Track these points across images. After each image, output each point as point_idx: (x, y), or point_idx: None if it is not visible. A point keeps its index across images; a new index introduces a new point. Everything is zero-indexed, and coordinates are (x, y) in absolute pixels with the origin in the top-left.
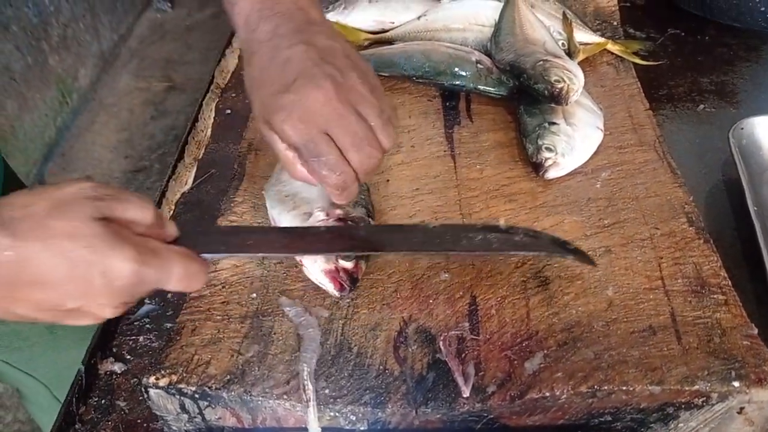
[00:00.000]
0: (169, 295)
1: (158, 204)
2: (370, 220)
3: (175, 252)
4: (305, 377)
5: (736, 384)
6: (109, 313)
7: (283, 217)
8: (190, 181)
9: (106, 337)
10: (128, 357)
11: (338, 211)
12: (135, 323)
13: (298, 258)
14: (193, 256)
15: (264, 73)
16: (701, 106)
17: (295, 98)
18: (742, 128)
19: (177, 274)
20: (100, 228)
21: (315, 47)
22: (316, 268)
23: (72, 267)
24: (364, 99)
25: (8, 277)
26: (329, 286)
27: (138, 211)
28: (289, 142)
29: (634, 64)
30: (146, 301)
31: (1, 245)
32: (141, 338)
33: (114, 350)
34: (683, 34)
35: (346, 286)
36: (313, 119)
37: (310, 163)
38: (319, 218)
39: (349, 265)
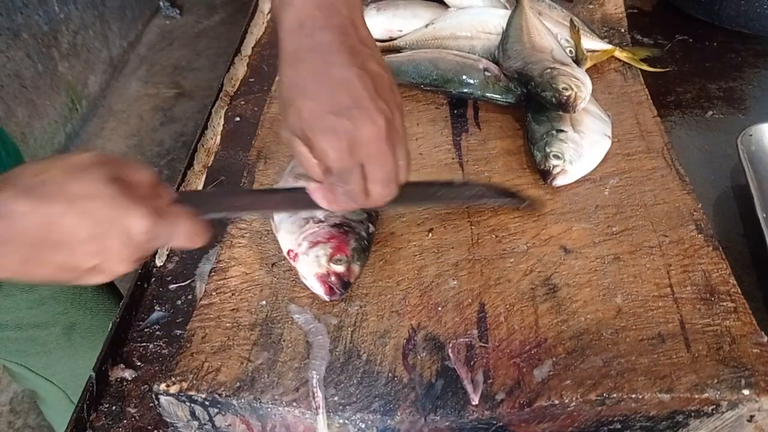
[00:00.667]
0: (179, 302)
1: None
2: (369, 225)
3: (180, 210)
4: (315, 384)
5: (746, 392)
6: (123, 268)
7: (283, 224)
8: (200, 188)
9: (117, 343)
10: (138, 364)
11: (335, 219)
12: (145, 330)
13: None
14: (195, 216)
15: (312, 85)
16: (710, 113)
17: (349, 126)
18: (751, 135)
19: (183, 231)
20: (116, 188)
21: (369, 75)
22: (309, 272)
23: (95, 225)
24: (401, 139)
25: (32, 241)
26: (319, 290)
27: (141, 174)
28: (325, 163)
29: (642, 70)
30: (156, 308)
31: (23, 212)
32: (151, 345)
33: (124, 357)
34: (691, 40)
35: (336, 290)
36: (358, 151)
37: (335, 186)
38: (316, 220)
39: (340, 269)
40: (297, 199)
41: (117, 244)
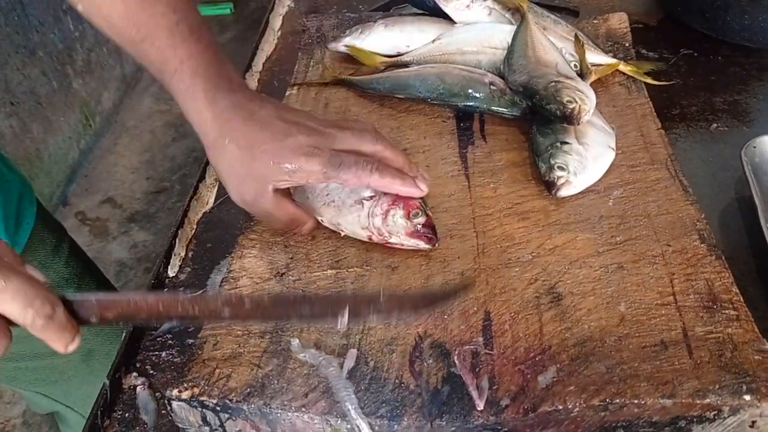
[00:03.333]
0: None
1: (180, 224)
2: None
3: (17, 272)
4: (355, 416)
5: (748, 398)
6: None
7: (344, 213)
8: (212, 201)
9: (130, 352)
10: (151, 372)
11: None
12: (158, 339)
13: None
14: (39, 284)
15: (253, 130)
16: (714, 125)
17: (302, 138)
18: (755, 146)
19: (13, 287)
20: None
21: (280, 107)
22: (401, 234)
23: None
24: (339, 121)
25: None
26: (420, 244)
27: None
28: (317, 175)
29: (647, 84)
30: None
31: None
32: (164, 353)
33: (137, 365)
34: (696, 54)
35: (431, 236)
36: (322, 143)
37: (342, 174)
38: (367, 197)
39: (422, 219)
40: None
41: None
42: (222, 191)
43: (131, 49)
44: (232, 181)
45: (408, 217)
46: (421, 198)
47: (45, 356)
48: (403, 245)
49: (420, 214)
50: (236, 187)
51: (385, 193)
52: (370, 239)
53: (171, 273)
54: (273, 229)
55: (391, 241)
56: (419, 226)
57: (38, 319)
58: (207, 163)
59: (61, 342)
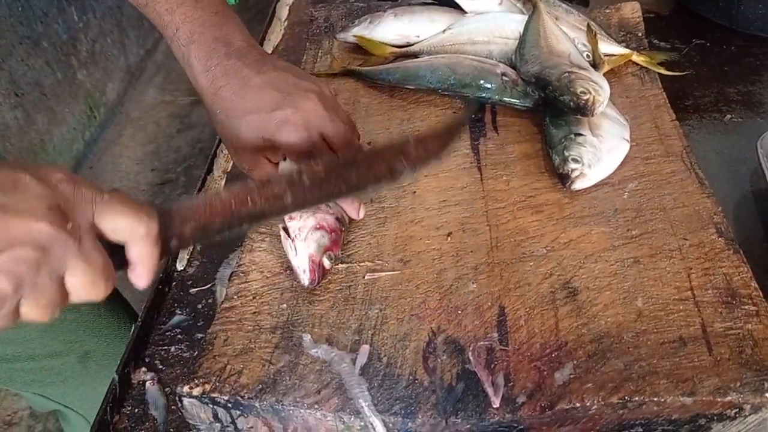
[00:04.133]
0: (200, 306)
1: None
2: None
3: (111, 189)
4: (368, 413)
5: None
6: (46, 222)
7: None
8: None
9: (139, 347)
10: (160, 367)
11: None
12: (167, 333)
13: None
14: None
15: (242, 100)
16: (728, 116)
17: (292, 111)
18: None
19: (117, 198)
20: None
21: (282, 70)
22: (304, 251)
23: None
24: (336, 104)
25: None
26: (305, 272)
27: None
28: (293, 150)
29: (660, 74)
30: (177, 312)
31: None
32: (173, 348)
33: (147, 360)
34: (709, 44)
35: (315, 281)
36: (312, 125)
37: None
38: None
39: (327, 265)
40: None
41: (30, 182)
42: (229, 184)
43: (143, 12)
44: (229, 150)
45: (325, 250)
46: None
47: (41, 358)
48: (290, 260)
49: (332, 259)
50: (233, 156)
51: (336, 221)
52: (288, 219)
53: (180, 267)
54: None
55: (293, 242)
56: (321, 264)
57: (146, 227)
58: (214, 155)
59: (153, 261)
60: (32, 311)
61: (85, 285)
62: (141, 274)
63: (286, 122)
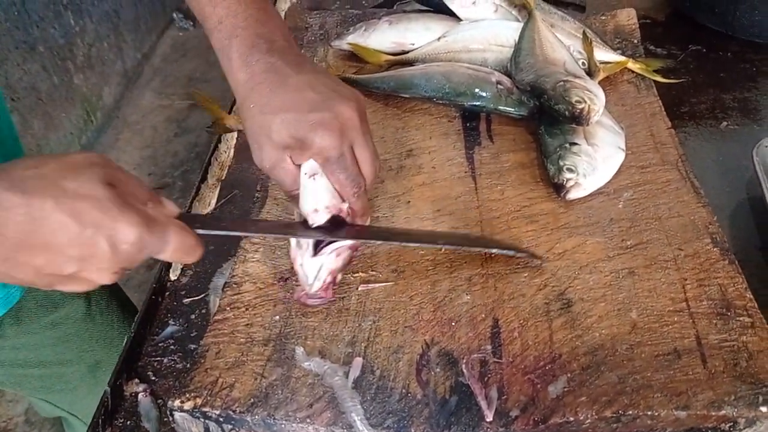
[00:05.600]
0: (193, 317)
1: None
2: None
3: (173, 223)
4: (361, 427)
5: (764, 409)
6: (106, 278)
7: None
8: (214, 202)
9: (131, 358)
10: (153, 378)
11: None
12: (159, 344)
13: (292, 244)
14: (189, 230)
15: (279, 97)
16: (724, 123)
17: (329, 115)
18: (767, 146)
19: (174, 244)
20: (110, 192)
21: (321, 74)
22: (328, 265)
23: (82, 227)
24: (368, 125)
25: (15, 237)
26: (322, 291)
27: (138, 183)
28: (322, 154)
29: (656, 81)
30: (170, 322)
31: (12, 203)
32: (165, 359)
33: (139, 371)
34: (705, 50)
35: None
36: (347, 133)
37: (337, 174)
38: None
39: (329, 294)
40: (293, 226)
41: (101, 251)
42: (224, 192)
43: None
44: (252, 146)
45: (343, 269)
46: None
47: (52, 365)
48: (301, 270)
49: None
50: (256, 151)
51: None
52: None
53: (173, 276)
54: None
55: (308, 254)
56: (326, 288)
57: (192, 260)
58: (209, 163)
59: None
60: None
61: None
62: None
63: (322, 125)
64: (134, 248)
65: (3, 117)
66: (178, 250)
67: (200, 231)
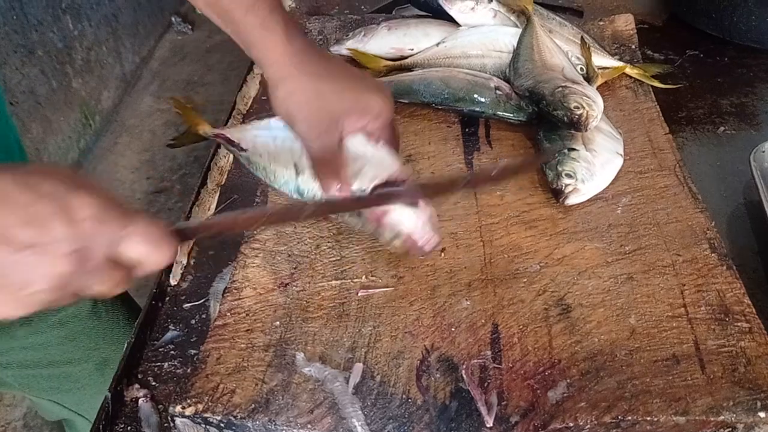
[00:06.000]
0: (193, 322)
1: None
2: None
3: (139, 213)
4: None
5: (762, 414)
6: (61, 266)
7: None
8: (213, 207)
9: (132, 363)
10: (153, 383)
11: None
12: (160, 350)
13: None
14: (157, 221)
15: (333, 69)
16: (721, 129)
17: (379, 85)
18: (764, 151)
19: (140, 229)
20: (72, 177)
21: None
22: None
23: (35, 197)
24: None
25: None
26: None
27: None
28: (384, 117)
29: (653, 86)
30: (170, 327)
31: None
32: (166, 364)
33: (139, 376)
34: (702, 55)
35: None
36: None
37: (389, 135)
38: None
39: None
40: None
41: (56, 227)
42: (223, 197)
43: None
44: (304, 113)
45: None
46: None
47: (60, 364)
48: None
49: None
50: (306, 118)
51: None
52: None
53: (173, 281)
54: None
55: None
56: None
57: (162, 258)
58: (208, 168)
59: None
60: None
61: (104, 294)
62: (141, 273)
63: (380, 91)
64: (93, 225)
65: (3, 120)
66: (143, 237)
67: (180, 225)
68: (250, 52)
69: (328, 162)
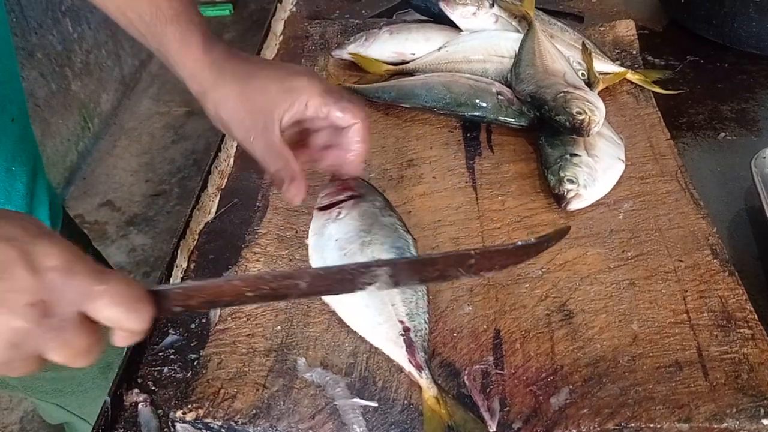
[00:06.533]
0: (193, 326)
1: (182, 234)
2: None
3: (111, 271)
4: None
5: (766, 422)
6: (20, 319)
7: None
8: (213, 210)
9: (131, 368)
10: (153, 388)
11: None
12: (159, 354)
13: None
14: (135, 284)
15: (254, 68)
16: (722, 134)
17: (303, 69)
18: (765, 157)
19: (114, 287)
20: (38, 224)
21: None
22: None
23: None
24: None
25: None
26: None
27: None
28: (315, 94)
29: (654, 92)
30: (170, 332)
31: None
32: (165, 369)
33: (139, 381)
34: (702, 61)
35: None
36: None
37: (334, 111)
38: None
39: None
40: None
41: (18, 273)
42: (224, 201)
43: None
44: (236, 119)
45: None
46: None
47: (64, 367)
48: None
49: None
50: (241, 123)
51: None
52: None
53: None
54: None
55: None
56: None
57: (138, 324)
58: (209, 171)
59: (139, 335)
60: (12, 374)
61: (65, 362)
62: (120, 343)
63: (306, 71)
64: (60, 276)
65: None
66: (116, 298)
67: (159, 288)
68: (174, 71)
69: (276, 159)
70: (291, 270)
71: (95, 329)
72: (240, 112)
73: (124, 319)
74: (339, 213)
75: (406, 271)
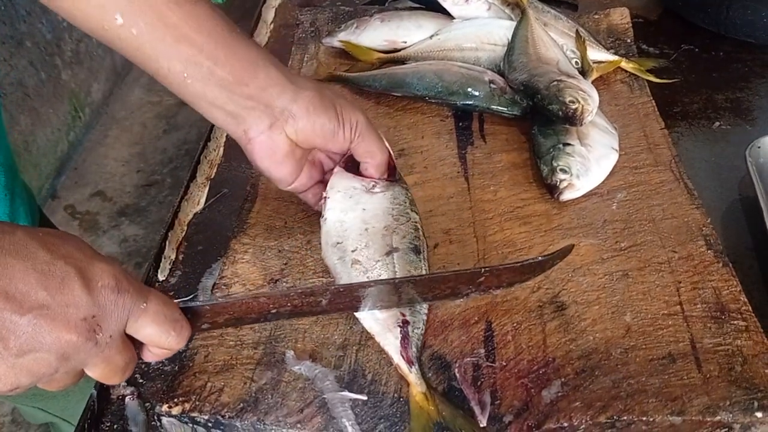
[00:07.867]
0: None
1: (170, 225)
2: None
3: (153, 290)
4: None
5: (759, 414)
6: (73, 332)
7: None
8: (203, 201)
9: None
10: (140, 381)
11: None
12: None
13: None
14: (173, 303)
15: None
16: (716, 124)
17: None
18: (759, 147)
19: (155, 306)
20: (88, 246)
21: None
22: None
23: (52, 257)
24: None
25: None
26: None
27: None
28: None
29: (648, 81)
30: None
31: None
32: (153, 362)
33: None
34: (697, 50)
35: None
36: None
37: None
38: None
39: None
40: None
41: (74, 289)
42: (213, 191)
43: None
44: (270, 163)
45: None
46: None
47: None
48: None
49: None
50: (281, 162)
51: None
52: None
53: (161, 277)
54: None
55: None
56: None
57: (176, 342)
58: (198, 161)
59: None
60: (48, 388)
61: (102, 378)
62: (151, 359)
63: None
64: (111, 294)
65: None
66: (159, 316)
67: (193, 305)
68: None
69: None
70: (313, 287)
71: (132, 347)
72: (319, 102)
73: (164, 338)
74: (374, 186)
75: (423, 287)
